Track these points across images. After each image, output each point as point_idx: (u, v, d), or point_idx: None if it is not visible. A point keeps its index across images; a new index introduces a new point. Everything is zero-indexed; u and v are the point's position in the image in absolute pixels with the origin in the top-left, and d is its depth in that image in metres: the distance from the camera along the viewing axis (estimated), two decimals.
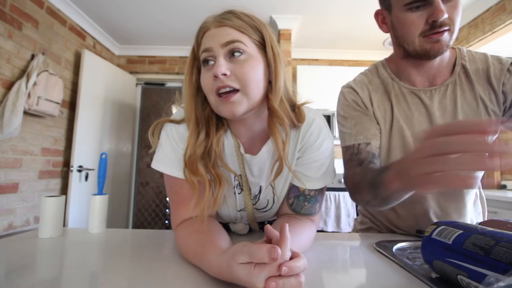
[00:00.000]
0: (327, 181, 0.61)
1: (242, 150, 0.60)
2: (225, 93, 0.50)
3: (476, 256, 0.34)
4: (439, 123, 0.68)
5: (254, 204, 0.64)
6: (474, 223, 0.74)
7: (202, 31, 0.53)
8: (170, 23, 2.68)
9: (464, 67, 0.69)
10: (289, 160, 0.60)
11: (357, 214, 0.97)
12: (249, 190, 0.63)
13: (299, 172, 0.60)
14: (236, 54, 0.50)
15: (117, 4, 2.39)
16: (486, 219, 0.76)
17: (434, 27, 0.60)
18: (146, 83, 3.35)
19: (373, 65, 0.79)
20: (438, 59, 0.68)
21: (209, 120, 0.57)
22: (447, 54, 0.70)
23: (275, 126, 0.55)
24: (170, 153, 0.57)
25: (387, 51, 2.65)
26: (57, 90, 2.11)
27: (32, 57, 2.01)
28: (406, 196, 0.50)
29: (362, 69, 0.84)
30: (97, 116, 2.61)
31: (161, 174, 0.59)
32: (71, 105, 2.45)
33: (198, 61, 0.55)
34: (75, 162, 2.33)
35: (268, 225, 0.40)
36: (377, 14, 0.72)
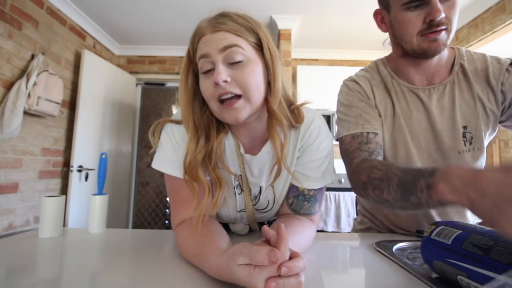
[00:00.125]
0: (327, 180, 0.61)
1: (242, 150, 0.60)
2: (228, 99, 0.50)
3: (475, 256, 0.34)
4: (437, 122, 0.69)
5: (254, 205, 0.64)
6: (474, 222, 0.74)
7: (198, 37, 0.52)
8: (170, 23, 2.68)
9: (462, 67, 0.70)
10: (289, 160, 0.61)
11: (357, 214, 0.97)
12: (249, 191, 0.63)
13: (299, 172, 0.60)
14: (235, 59, 0.49)
15: (117, 4, 2.39)
16: None
17: (431, 26, 0.60)
18: (146, 83, 3.35)
19: (373, 62, 0.80)
20: (436, 58, 0.68)
21: (210, 124, 0.57)
22: (445, 54, 0.70)
23: (273, 129, 0.54)
24: (170, 153, 0.57)
25: (387, 51, 2.66)
26: (57, 90, 2.11)
27: (32, 57, 2.00)
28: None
29: None
30: (97, 116, 2.61)
31: (161, 174, 0.59)
32: (71, 105, 2.45)
33: (194, 65, 0.55)
34: (75, 162, 2.32)
35: (266, 226, 0.40)
36: (376, 14, 0.73)
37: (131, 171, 3.21)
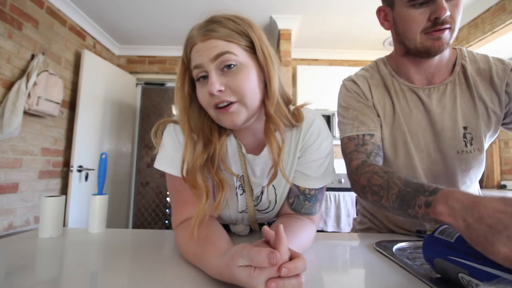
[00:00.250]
0: (327, 180, 0.61)
1: (244, 150, 0.60)
2: (224, 106, 0.50)
3: (478, 254, 0.34)
4: (437, 121, 0.69)
5: (256, 205, 0.64)
6: None
7: (189, 46, 0.52)
8: (170, 23, 2.68)
9: (463, 67, 0.70)
10: (290, 161, 0.61)
11: (357, 214, 0.97)
12: (251, 191, 0.63)
13: (299, 172, 0.60)
14: (228, 67, 0.49)
15: (117, 4, 2.39)
16: None
17: (436, 24, 0.60)
18: (146, 83, 3.35)
19: (373, 61, 0.80)
20: (437, 58, 0.68)
21: (211, 127, 0.57)
22: (446, 54, 0.70)
23: (270, 133, 0.54)
24: (172, 153, 0.57)
25: (387, 51, 2.66)
26: (57, 90, 2.11)
27: (32, 57, 2.01)
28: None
29: None
30: (97, 116, 2.61)
31: (161, 174, 0.59)
32: (71, 105, 2.45)
33: (190, 72, 0.55)
34: (75, 162, 2.32)
35: (266, 226, 0.40)
36: (379, 11, 0.73)
37: (131, 171, 3.21)
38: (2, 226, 1.84)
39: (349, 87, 0.76)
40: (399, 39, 0.69)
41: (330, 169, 0.62)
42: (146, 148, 3.78)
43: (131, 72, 3.20)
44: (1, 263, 0.49)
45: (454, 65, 0.71)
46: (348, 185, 0.72)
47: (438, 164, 0.70)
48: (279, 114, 0.55)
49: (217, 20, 0.51)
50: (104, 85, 2.68)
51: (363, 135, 0.69)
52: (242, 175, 0.62)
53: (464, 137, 0.68)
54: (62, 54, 2.34)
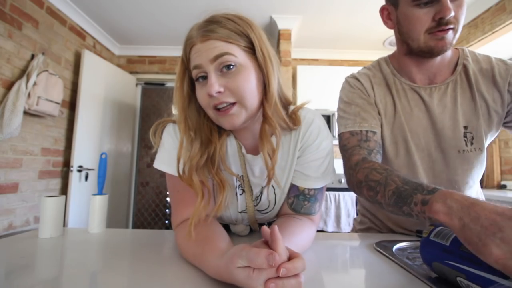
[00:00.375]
0: (327, 180, 0.61)
1: (243, 150, 0.60)
2: (223, 107, 0.50)
3: (473, 258, 0.33)
4: (438, 120, 0.69)
5: (255, 206, 0.64)
6: None
7: (189, 46, 0.52)
8: (170, 23, 2.68)
9: (465, 67, 0.70)
10: (289, 161, 0.61)
11: (357, 214, 0.97)
12: (250, 191, 0.63)
13: (299, 171, 0.60)
14: (227, 67, 0.49)
15: (117, 4, 2.39)
16: None
17: (440, 24, 0.60)
18: (146, 83, 3.35)
19: (376, 61, 0.80)
20: (439, 58, 0.68)
21: (211, 128, 0.57)
22: (448, 54, 0.70)
23: (265, 135, 0.54)
24: (172, 153, 0.57)
25: (387, 51, 2.65)
26: (57, 90, 2.11)
27: (32, 57, 2.00)
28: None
29: None
30: (97, 116, 2.61)
31: (161, 174, 0.60)
32: (71, 105, 2.45)
33: (189, 72, 0.55)
34: (75, 162, 2.32)
35: (265, 226, 0.40)
36: (382, 10, 0.73)
37: (131, 171, 3.21)
38: (2, 226, 1.84)
39: (353, 83, 0.76)
40: (402, 38, 0.69)
41: (330, 169, 0.62)
42: (146, 148, 3.78)
43: (131, 72, 3.20)
44: (1, 263, 0.49)
45: (456, 65, 0.71)
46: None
47: (439, 163, 0.70)
48: (276, 116, 0.55)
49: (217, 20, 0.51)
50: (104, 85, 2.68)
51: (366, 131, 0.68)
52: (242, 175, 0.62)
53: (465, 136, 0.68)
54: (62, 54, 2.34)
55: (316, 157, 0.60)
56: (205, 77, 0.51)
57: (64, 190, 2.36)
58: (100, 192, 0.74)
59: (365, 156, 0.64)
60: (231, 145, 0.61)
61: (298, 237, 0.53)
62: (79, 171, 2.37)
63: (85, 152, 2.43)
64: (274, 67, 0.54)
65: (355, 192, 0.64)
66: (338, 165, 0.89)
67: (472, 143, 0.68)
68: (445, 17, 0.59)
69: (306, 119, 0.60)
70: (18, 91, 1.81)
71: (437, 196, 0.41)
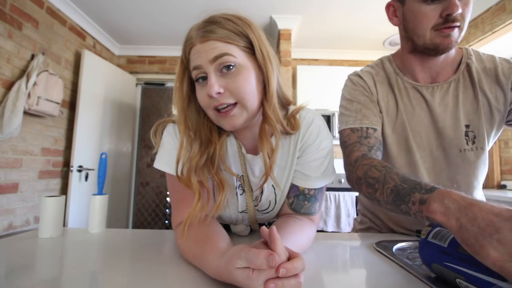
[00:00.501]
0: (327, 180, 0.61)
1: (243, 150, 0.60)
2: (224, 108, 0.50)
3: (471, 260, 0.33)
4: (440, 119, 0.69)
5: (255, 206, 0.64)
6: None
7: (188, 47, 0.52)
8: (170, 23, 2.68)
9: (468, 66, 0.70)
10: (289, 161, 0.61)
11: (357, 214, 0.97)
12: (251, 191, 0.63)
13: (299, 171, 0.60)
14: (227, 68, 0.49)
15: (117, 4, 2.39)
16: None
17: (447, 21, 0.60)
18: (146, 83, 3.35)
19: (379, 59, 0.80)
20: (443, 57, 0.68)
21: (211, 128, 0.57)
22: (452, 53, 0.70)
23: (264, 135, 0.54)
24: (172, 153, 0.57)
25: (387, 51, 2.66)
26: (57, 90, 2.11)
27: (32, 57, 2.00)
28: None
29: None
30: (97, 116, 2.61)
31: (161, 174, 0.60)
32: (71, 105, 2.45)
33: (189, 72, 0.55)
34: (75, 162, 2.32)
35: (264, 227, 0.40)
36: (388, 6, 0.73)
37: (131, 171, 3.21)
38: (2, 226, 1.84)
39: (355, 81, 0.76)
40: (407, 35, 0.69)
41: (330, 169, 0.62)
42: (146, 148, 3.78)
43: (131, 72, 3.20)
44: (1, 263, 0.49)
45: (459, 64, 0.71)
46: (348, 185, 0.72)
47: (441, 162, 0.70)
48: (275, 116, 0.55)
49: (216, 20, 0.51)
50: (104, 85, 2.68)
51: (367, 128, 0.69)
52: (242, 175, 0.62)
53: (466, 135, 0.68)
54: (62, 54, 2.34)
55: (316, 157, 0.60)
56: (205, 78, 0.51)
57: (64, 190, 2.36)
58: (100, 192, 0.74)
59: (365, 152, 0.64)
60: (231, 145, 0.61)
61: (298, 237, 0.53)
62: (79, 171, 2.37)
63: (85, 152, 2.43)
64: (274, 67, 0.54)
65: (354, 188, 0.64)
66: (338, 165, 0.89)
67: (473, 142, 0.68)
68: (452, 13, 0.59)
69: (306, 119, 0.60)
70: (18, 91, 1.81)
71: (435, 195, 0.41)
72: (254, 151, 0.60)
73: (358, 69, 0.82)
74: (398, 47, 0.77)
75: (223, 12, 0.53)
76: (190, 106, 0.56)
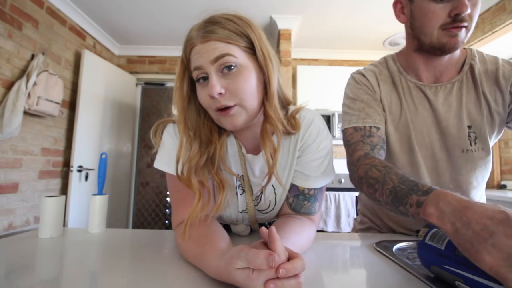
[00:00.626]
0: (327, 180, 0.61)
1: (243, 150, 0.60)
2: (224, 108, 0.51)
3: (469, 263, 0.33)
4: (443, 119, 0.69)
5: (255, 205, 0.64)
6: None
7: (189, 47, 0.52)
8: (170, 23, 2.68)
9: (472, 67, 0.70)
10: (289, 161, 0.61)
11: (357, 214, 0.97)
12: (251, 191, 0.63)
13: (299, 171, 0.60)
14: (228, 68, 0.49)
15: (117, 4, 2.39)
16: None
17: (455, 21, 0.60)
18: (146, 83, 3.35)
19: (382, 58, 0.80)
20: (447, 57, 0.68)
21: (211, 128, 0.57)
22: (457, 53, 0.70)
23: (266, 134, 0.54)
24: (172, 152, 0.57)
25: (387, 51, 2.66)
26: (57, 90, 2.11)
27: (32, 57, 2.00)
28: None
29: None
30: (97, 116, 2.61)
31: (161, 174, 0.60)
32: (71, 105, 2.45)
33: (189, 72, 0.55)
34: (75, 162, 2.32)
35: (263, 227, 0.40)
36: (395, 3, 0.72)
37: (131, 171, 3.21)
38: (2, 226, 1.84)
39: (358, 79, 0.76)
40: (413, 33, 0.69)
41: (330, 169, 0.62)
42: (146, 148, 3.77)
43: (131, 72, 3.20)
44: (1, 263, 0.49)
45: (463, 64, 0.71)
46: (348, 185, 0.72)
47: (443, 162, 0.70)
48: (276, 115, 0.55)
49: (217, 20, 0.51)
50: (104, 85, 2.68)
51: (370, 127, 0.69)
52: (242, 175, 0.62)
53: (469, 136, 0.68)
54: (62, 54, 2.34)
55: (316, 157, 0.60)
56: (205, 78, 0.51)
57: (64, 190, 2.36)
58: (100, 192, 0.74)
59: (367, 151, 0.64)
60: (231, 145, 0.61)
61: (298, 237, 0.53)
62: (79, 171, 2.37)
63: (85, 152, 2.43)
64: (274, 66, 0.54)
65: (356, 188, 0.64)
66: (338, 165, 0.89)
67: (475, 143, 0.68)
68: (461, 13, 0.58)
69: (305, 119, 0.60)
70: (18, 91, 1.81)
71: (430, 198, 0.41)
72: (254, 151, 0.60)
73: (358, 69, 0.82)
74: (398, 47, 0.77)
75: (224, 12, 0.53)
76: (190, 106, 0.57)
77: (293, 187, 0.61)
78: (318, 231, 0.63)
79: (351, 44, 3.07)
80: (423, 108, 0.71)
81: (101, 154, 0.77)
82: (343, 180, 2.61)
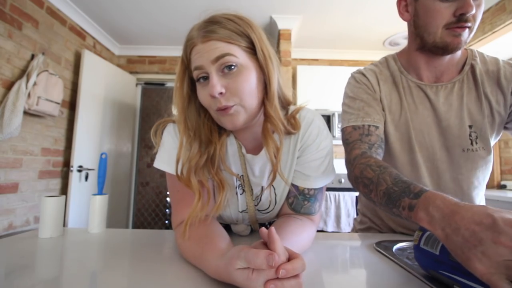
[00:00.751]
0: (327, 180, 0.61)
1: (243, 150, 0.60)
2: (223, 108, 0.51)
3: (463, 269, 0.33)
4: (443, 119, 0.69)
5: (256, 205, 0.64)
6: None
7: (189, 47, 0.52)
8: (170, 23, 2.68)
9: (473, 67, 0.70)
10: (289, 161, 0.61)
11: (357, 214, 0.97)
12: (251, 191, 0.63)
13: (299, 171, 0.60)
14: (228, 68, 0.49)
15: (117, 4, 2.39)
16: None
17: (460, 21, 0.60)
18: (146, 83, 3.35)
19: (383, 57, 0.80)
20: (449, 57, 0.69)
21: (211, 128, 0.58)
22: (458, 53, 0.70)
23: (268, 133, 0.54)
24: (172, 152, 0.57)
25: (387, 51, 2.65)
26: (57, 90, 2.11)
27: (32, 57, 2.00)
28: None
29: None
30: (97, 116, 2.61)
31: (161, 174, 0.60)
32: (71, 105, 2.45)
33: (189, 72, 0.55)
34: (75, 162, 2.32)
35: (263, 228, 0.40)
36: (399, 1, 0.72)
37: (131, 171, 3.21)
38: (2, 226, 1.84)
39: (359, 78, 0.76)
40: (417, 32, 0.68)
41: (330, 169, 0.62)
42: (146, 148, 3.78)
43: (131, 72, 3.20)
44: (1, 263, 0.49)
45: (464, 64, 0.71)
46: (348, 185, 0.73)
47: (443, 162, 0.70)
48: (277, 115, 0.55)
49: (217, 20, 0.51)
50: (104, 85, 2.68)
51: (369, 125, 0.69)
52: (242, 175, 0.62)
53: (470, 135, 0.68)
54: (62, 54, 2.34)
55: (316, 157, 0.60)
56: (206, 78, 0.51)
57: (64, 190, 2.36)
58: (100, 192, 0.74)
59: (364, 150, 0.64)
60: (231, 145, 0.61)
61: (298, 237, 0.53)
62: (79, 171, 2.37)
63: (85, 152, 2.43)
64: (275, 66, 0.54)
65: (353, 187, 0.64)
66: (338, 165, 0.89)
67: (476, 142, 0.68)
68: (466, 13, 0.58)
69: (305, 119, 0.60)
70: (18, 91, 1.81)
71: (421, 202, 0.41)
72: (254, 151, 0.60)
73: (358, 68, 0.82)
74: (398, 47, 0.77)
75: (224, 12, 0.53)
76: (190, 106, 0.57)
77: (293, 187, 0.61)
78: (318, 231, 0.63)
79: (351, 44, 3.07)
80: (424, 108, 0.71)
81: (101, 154, 0.77)
82: (343, 180, 2.61)
